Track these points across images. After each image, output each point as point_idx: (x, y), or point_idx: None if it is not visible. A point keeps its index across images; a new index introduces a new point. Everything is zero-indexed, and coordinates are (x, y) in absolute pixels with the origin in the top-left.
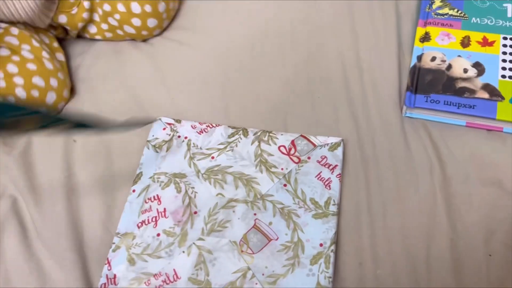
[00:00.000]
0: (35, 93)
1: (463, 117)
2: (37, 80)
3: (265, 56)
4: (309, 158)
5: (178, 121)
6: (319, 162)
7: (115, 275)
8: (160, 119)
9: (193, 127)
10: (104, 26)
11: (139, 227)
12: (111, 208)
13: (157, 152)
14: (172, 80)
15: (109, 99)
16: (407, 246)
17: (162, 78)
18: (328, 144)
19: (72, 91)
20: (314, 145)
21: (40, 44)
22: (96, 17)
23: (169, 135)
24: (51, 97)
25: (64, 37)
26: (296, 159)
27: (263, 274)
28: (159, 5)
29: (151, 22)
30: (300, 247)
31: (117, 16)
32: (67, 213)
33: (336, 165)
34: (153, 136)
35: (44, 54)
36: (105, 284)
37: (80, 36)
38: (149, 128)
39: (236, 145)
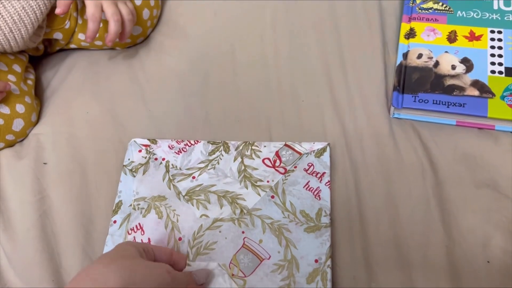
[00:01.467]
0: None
1: (453, 116)
2: (1, 108)
3: (246, 60)
4: (295, 167)
5: (154, 141)
6: (306, 170)
7: None
8: (134, 141)
9: (171, 147)
10: (81, 36)
11: None
12: (90, 231)
13: (134, 176)
14: (149, 90)
15: (82, 112)
16: (402, 256)
17: (138, 88)
18: (314, 150)
19: (43, 106)
20: (300, 153)
21: (7, 67)
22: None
23: (145, 157)
24: (18, 124)
25: (42, 54)
26: (282, 170)
27: None
28: (143, 12)
29: (135, 30)
30: (294, 265)
31: (100, 24)
32: (41, 239)
33: (324, 173)
34: (128, 159)
35: (10, 77)
36: None
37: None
38: (124, 149)
39: (218, 163)
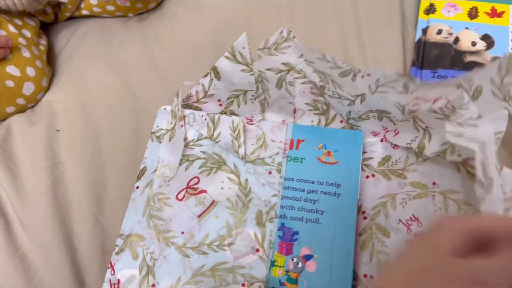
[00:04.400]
0: (10, 84)
1: None
2: (12, 70)
3: (262, 33)
4: None
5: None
6: None
7: (119, 280)
8: (164, 108)
9: None
10: (93, 1)
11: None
12: (102, 198)
13: (160, 143)
14: (163, 59)
15: (95, 81)
16: None
17: (151, 57)
18: None
19: (55, 74)
20: None
21: (18, 30)
22: None
23: (171, 123)
24: (28, 88)
25: (53, 22)
26: None
27: None
28: None
29: None
30: None
31: None
32: (53, 205)
33: None
34: (157, 127)
35: (21, 40)
36: None
37: (69, 17)
38: (137, 117)
39: None
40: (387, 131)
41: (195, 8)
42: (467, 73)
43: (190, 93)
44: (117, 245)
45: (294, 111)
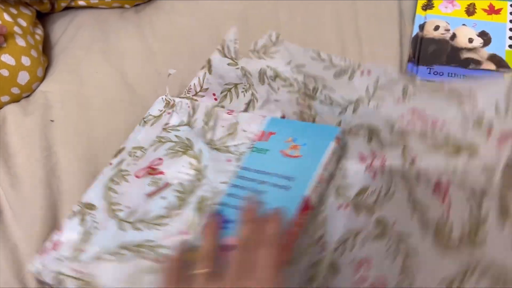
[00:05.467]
0: (5, 73)
1: None
2: (7, 58)
3: (259, 25)
4: None
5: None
6: None
7: (60, 241)
8: (162, 98)
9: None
10: None
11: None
12: None
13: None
14: (159, 50)
15: (91, 72)
16: None
17: (148, 49)
18: None
19: (51, 64)
20: None
21: (13, 19)
22: None
23: (160, 111)
24: (23, 77)
25: (49, 12)
26: None
27: None
28: None
29: None
30: None
31: None
32: (46, 196)
33: None
34: (149, 113)
35: (16, 29)
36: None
37: (65, 7)
38: (132, 109)
39: None
40: (374, 157)
41: (193, 0)
42: (472, 82)
43: (189, 86)
44: (73, 211)
45: (283, 117)
